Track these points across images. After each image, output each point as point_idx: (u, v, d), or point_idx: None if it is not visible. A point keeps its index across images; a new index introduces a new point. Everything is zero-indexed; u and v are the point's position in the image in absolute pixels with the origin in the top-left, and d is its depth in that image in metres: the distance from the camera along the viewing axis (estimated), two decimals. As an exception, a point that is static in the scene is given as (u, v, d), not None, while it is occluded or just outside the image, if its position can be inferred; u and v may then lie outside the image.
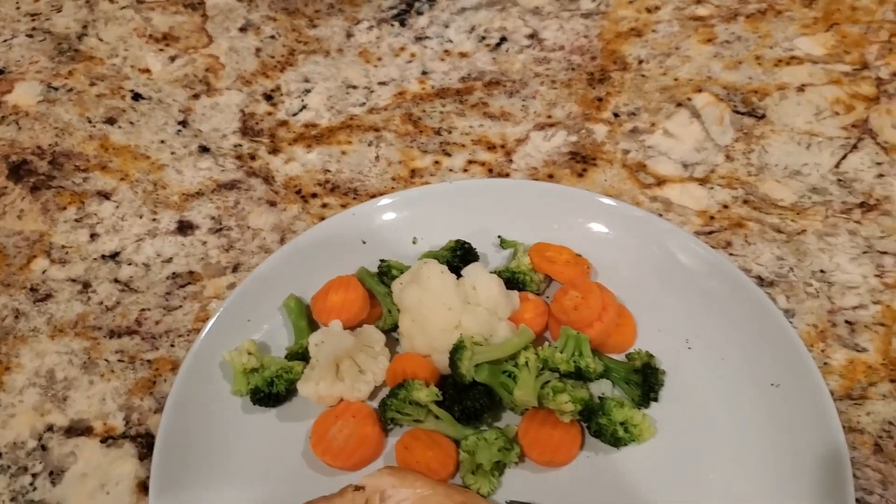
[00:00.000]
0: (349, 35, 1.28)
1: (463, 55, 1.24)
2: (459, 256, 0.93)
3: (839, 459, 0.77)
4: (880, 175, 1.05)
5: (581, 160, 1.09)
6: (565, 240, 0.96)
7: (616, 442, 0.81)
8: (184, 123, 1.18)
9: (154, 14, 1.34)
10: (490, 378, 0.82)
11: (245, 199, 1.07)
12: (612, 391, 0.86)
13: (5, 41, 1.31)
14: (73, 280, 1.01)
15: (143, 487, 0.83)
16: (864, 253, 0.97)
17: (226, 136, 1.15)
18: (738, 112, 1.13)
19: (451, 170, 1.09)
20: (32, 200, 1.10)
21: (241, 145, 1.14)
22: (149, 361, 0.93)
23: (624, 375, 0.86)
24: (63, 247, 1.04)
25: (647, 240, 0.95)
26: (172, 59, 1.27)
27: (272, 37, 1.29)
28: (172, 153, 1.14)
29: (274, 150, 1.13)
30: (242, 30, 1.30)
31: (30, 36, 1.32)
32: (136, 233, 1.05)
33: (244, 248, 1.02)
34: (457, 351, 0.82)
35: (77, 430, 0.88)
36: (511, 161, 1.09)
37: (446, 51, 1.24)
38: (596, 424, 0.81)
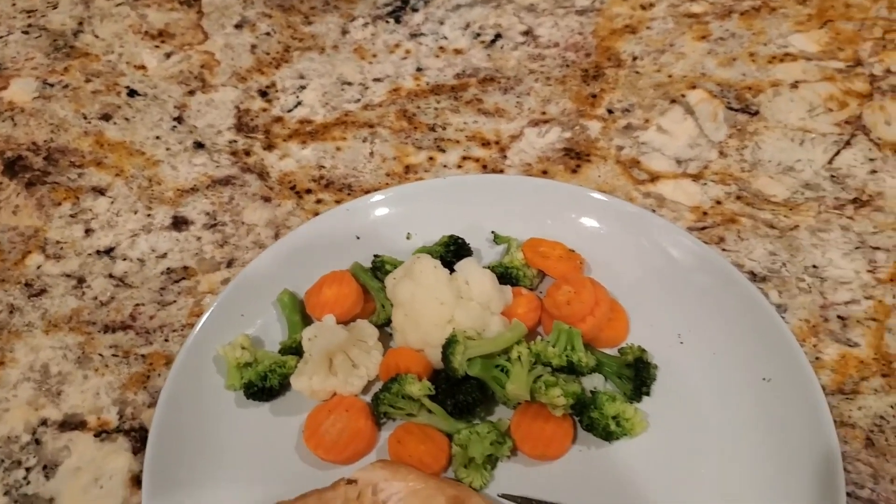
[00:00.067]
0: (344, 32, 1.28)
1: (458, 52, 1.24)
2: (453, 252, 0.93)
3: (830, 454, 0.78)
4: (873, 171, 1.05)
5: (575, 156, 1.09)
6: (559, 235, 0.96)
7: (608, 436, 0.81)
8: (179, 119, 1.18)
9: (150, 11, 1.34)
10: (482, 372, 0.82)
11: (240, 195, 1.08)
12: (605, 385, 0.87)
13: (1, 38, 1.31)
14: (68, 275, 1.01)
15: (137, 481, 0.84)
16: (857, 248, 0.98)
17: (221, 132, 1.16)
18: (731, 108, 1.13)
19: (445, 166, 1.09)
20: (27, 196, 1.10)
21: (235, 141, 1.14)
22: (143, 356, 0.93)
23: (616, 370, 0.86)
24: (58, 242, 1.04)
25: (640, 235, 0.96)
26: (168, 55, 1.27)
27: (267, 33, 1.29)
28: (167, 149, 1.14)
29: (269, 146, 1.13)
30: (238, 26, 1.30)
31: (26, 32, 1.32)
32: (131, 228, 1.05)
33: (238, 243, 1.03)
34: (449, 345, 0.82)
35: (71, 424, 0.88)
36: (505, 157, 1.10)
37: (441, 47, 1.25)
38: (588, 418, 0.81)
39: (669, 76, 1.18)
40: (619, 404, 0.81)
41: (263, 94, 1.20)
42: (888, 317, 0.92)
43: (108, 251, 1.03)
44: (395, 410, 0.83)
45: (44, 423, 0.89)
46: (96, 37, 1.31)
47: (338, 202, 1.05)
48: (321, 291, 0.91)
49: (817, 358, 0.89)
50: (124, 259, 1.02)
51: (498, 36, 1.26)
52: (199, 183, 1.10)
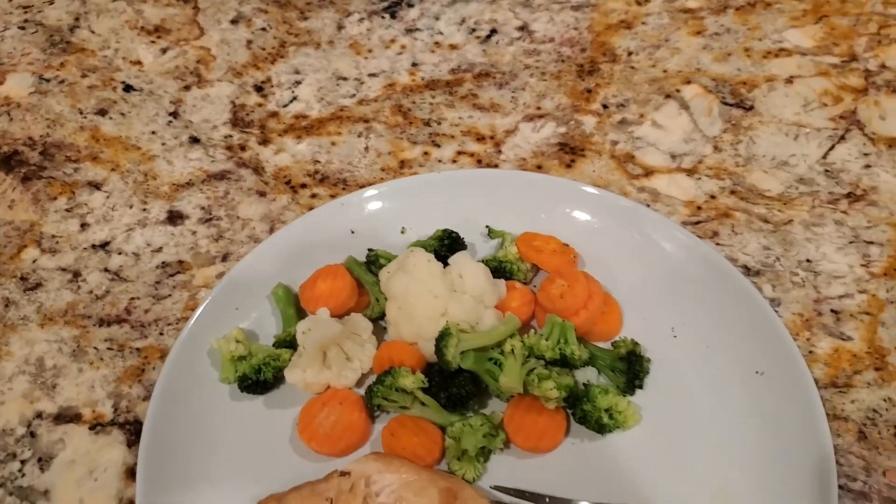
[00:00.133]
0: (340, 27, 1.29)
1: (453, 47, 1.24)
2: (447, 246, 0.94)
3: (823, 446, 0.78)
4: (867, 166, 1.05)
5: (570, 151, 1.09)
6: (553, 229, 0.96)
7: (601, 428, 0.81)
8: (174, 114, 1.18)
9: (146, 6, 1.34)
10: (476, 365, 0.82)
11: (235, 190, 1.08)
12: (598, 379, 0.87)
13: (-3, 33, 1.32)
14: (63, 269, 1.01)
15: (131, 474, 0.84)
16: (851, 243, 0.98)
17: (216, 127, 1.16)
18: (726, 103, 1.14)
19: (440, 161, 1.09)
20: (23, 191, 1.10)
21: (231, 136, 1.14)
22: (138, 349, 0.93)
23: (609, 363, 0.86)
24: (53, 236, 1.05)
25: (634, 230, 0.96)
26: (164, 50, 1.27)
27: (263, 29, 1.29)
28: (163, 144, 1.14)
29: (264, 141, 1.13)
30: (234, 22, 1.31)
31: (22, 28, 1.32)
32: (127, 222, 1.05)
33: (233, 237, 1.03)
34: (442, 338, 0.82)
35: (66, 417, 0.89)
36: (500, 152, 1.10)
37: (437, 43, 1.25)
38: (581, 411, 0.81)
39: (664, 71, 1.18)
40: (612, 397, 0.82)
41: (259, 89, 1.20)
42: (881, 311, 0.92)
43: (104, 245, 1.03)
44: (389, 403, 0.83)
45: (39, 415, 0.89)
46: (92, 32, 1.31)
47: (333, 197, 1.05)
48: (315, 285, 0.91)
49: (811, 352, 0.89)
50: (119, 253, 1.02)
51: (493, 31, 1.26)
52: (195, 177, 1.10)
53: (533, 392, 0.80)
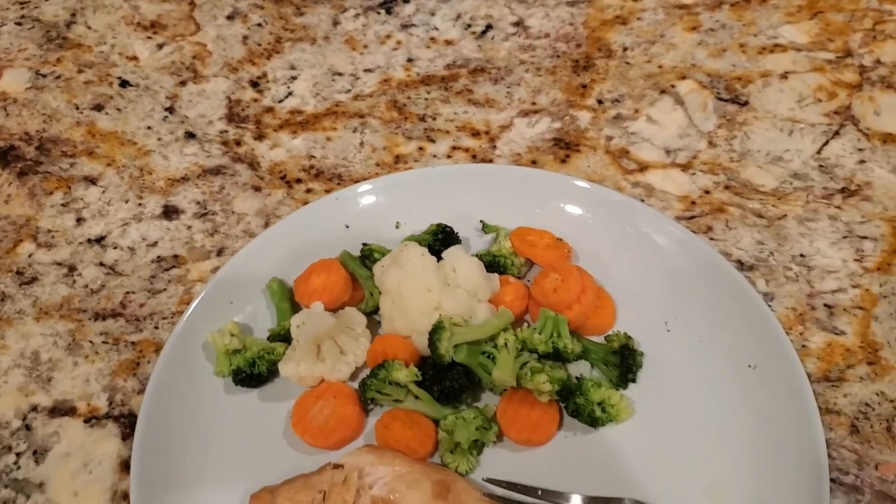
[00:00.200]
0: (336, 23, 1.29)
1: (448, 43, 1.24)
2: (441, 240, 0.94)
3: (815, 440, 0.78)
4: (861, 161, 1.05)
5: (564, 146, 1.09)
6: (547, 224, 0.97)
7: (593, 422, 0.82)
8: (170, 110, 1.18)
9: (142, 2, 1.34)
10: (469, 358, 0.83)
11: (230, 185, 1.08)
12: (591, 372, 0.87)
13: (-6, 29, 1.32)
14: (59, 263, 1.01)
15: (126, 466, 0.84)
16: (845, 238, 0.98)
17: (212, 122, 1.16)
18: (721, 99, 1.14)
19: (435, 156, 1.09)
20: (19, 185, 1.10)
21: (226, 131, 1.15)
22: (133, 343, 0.93)
23: (602, 357, 0.86)
24: (49, 231, 1.05)
25: (628, 224, 0.96)
26: (160, 46, 1.27)
27: (259, 24, 1.29)
28: (159, 139, 1.14)
29: (259, 137, 1.14)
30: (230, 17, 1.31)
31: (19, 24, 1.33)
32: (122, 217, 1.06)
33: (229, 232, 1.03)
34: (436, 331, 0.82)
35: (61, 410, 0.89)
36: (495, 147, 1.10)
37: (432, 38, 1.25)
38: (573, 404, 0.81)
39: (660, 67, 1.19)
40: (605, 390, 0.82)
41: (255, 84, 1.21)
42: (875, 305, 0.92)
43: (99, 240, 1.04)
44: (382, 396, 0.83)
45: (34, 409, 0.89)
46: (89, 28, 1.31)
47: (328, 192, 1.06)
48: (310, 279, 0.91)
49: (804, 346, 0.89)
50: (115, 247, 1.03)
51: (489, 27, 1.26)
52: (190, 172, 1.10)
53: (526, 385, 0.80)
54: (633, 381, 0.86)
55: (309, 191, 1.07)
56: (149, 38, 1.29)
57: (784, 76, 1.16)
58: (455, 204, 0.99)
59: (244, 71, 1.22)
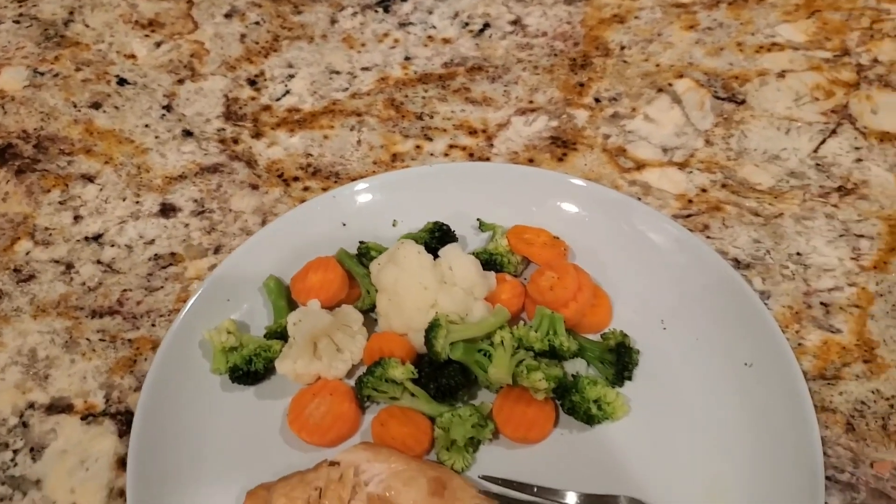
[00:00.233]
0: (333, 21, 1.29)
1: (446, 41, 1.24)
2: (437, 238, 0.94)
3: (810, 438, 0.78)
4: (858, 160, 1.05)
5: (561, 145, 1.09)
6: (543, 222, 0.97)
7: (589, 419, 0.82)
8: (168, 108, 1.18)
9: (140, 0, 1.34)
10: (465, 356, 0.83)
11: (227, 183, 1.08)
12: (587, 370, 0.87)
13: (-8, 27, 1.32)
14: (56, 261, 1.02)
15: (123, 464, 0.84)
16: (841, 236, 0.98)
17: (209, 120, 1.16)
18: (718, 97, 1.14)
19: (432, 154, 1.10)
20: (17, 183, 1.10)
21: (224, 129, 1.15)
22: (129, 341, 0.94)
23: (598, 354, 0.86)
24: (47, 228, 1.05)
25: (625, 222, 0.96)
26: (158, 44, 1.27)
27: (257, 23, 1.29)
28: (156, 137, 1.14)
29: (257, 135, 1.14)
30: (228, 16, 1.31)
31: (17, 22, 1.33)
32: (119, 215, 1.06)
33: (226, 230, 1.03)
34: (432, 329, 0.82)
35: (58, 407, 0.89)
36: (492, 146, 1.10)
37: (430, 37, 1.25)
38: (569, 402, 0.81)
39: (657, 65, 1.19)
40: (601, 388, 0.82)
41: (252, 82, 1.21)
42: (871, 304, 0.92)
43: (97, 237, 1.04)
44: (379, 394, 0.83)
45: (31, 406, 0.89)
46: (87, 26, 1.31)
47: (325, 190, 1.06)
48: (307, 277, 0.91)
49: (800, 344, 0.89)
50: (112, 245, 1.03)
51: (486, 25, 1.26)
52: (188, 170, 1.10)
53: (522, 383, 0.80)
54: (630, 378, 0.86)
55: (306, 189, 1.07)
56: (146, 36, 1.29)
57: (781, 75, 1.16)
58: (452, 202, 0.99)
59: (242, 69, 1.23)
